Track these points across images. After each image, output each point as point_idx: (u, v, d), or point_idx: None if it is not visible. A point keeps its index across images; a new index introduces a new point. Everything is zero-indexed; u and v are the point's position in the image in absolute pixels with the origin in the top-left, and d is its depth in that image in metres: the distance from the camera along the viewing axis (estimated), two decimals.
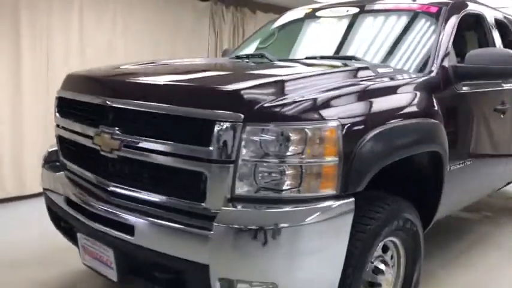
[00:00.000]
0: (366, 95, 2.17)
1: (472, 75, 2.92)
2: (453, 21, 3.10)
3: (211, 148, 1.89)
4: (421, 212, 2.66)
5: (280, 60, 3.06)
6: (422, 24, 3.13)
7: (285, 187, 1.90)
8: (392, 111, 2.25)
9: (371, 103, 2.14)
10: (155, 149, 2.06)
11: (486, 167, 3.44)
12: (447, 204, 2.95)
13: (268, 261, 1.85)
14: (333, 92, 2.06)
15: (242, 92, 1.97)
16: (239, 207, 1.89)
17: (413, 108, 2.41)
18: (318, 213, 1.89)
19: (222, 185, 1.89)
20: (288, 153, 1.88)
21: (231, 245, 1.83)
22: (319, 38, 3.46)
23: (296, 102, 1.94)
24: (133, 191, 2.18)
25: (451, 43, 2.97)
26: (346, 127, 1.96)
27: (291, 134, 1.88)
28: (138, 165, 2.15)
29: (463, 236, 4.25)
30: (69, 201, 2.50)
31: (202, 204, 1.95)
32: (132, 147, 2.15)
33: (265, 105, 1.91)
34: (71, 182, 2.58)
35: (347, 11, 3.52)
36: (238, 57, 3.52)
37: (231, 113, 1.88)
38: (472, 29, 3.73)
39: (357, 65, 2.61)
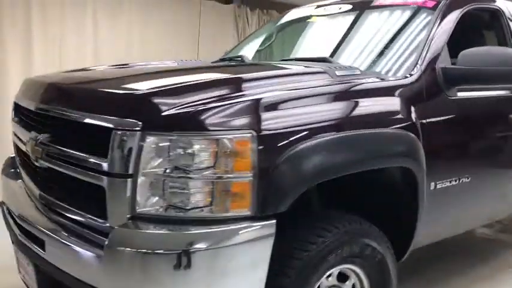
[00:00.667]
0: (298, 102, 1.85)
1: (465, 79, 2.49)
2: (452, 17, 2.67)
3: (107, 159, 1.70)
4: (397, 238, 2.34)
5: (251, 65, 2.81)
6: (415, 22, 2.73)
7: (190, 206, 1.65)
8: (333, 121, 1.90)
9: (304, 112, 1.83)
10: (63, 158, 1.90)
11: (493, 185, 2.92)
12: (433, 228, 2.55)
13: None
14: (254, 98, 1.77)
15: (143, 96, 1.76)
16: (137, 226, 1.68)
17: (368, 118, 2.05)
18: (222, 237, 1.63)
19: (121, 201, 1.68)
20: (193, 167, 1.64)
21: (117, 269, 1.62)
22: (304, 39, 3.16)
23: (206, 109, 1.68)
24: (53, 202, 2.04)
25: (443, 42, 2.55)
26: (264, 138, 1.69)
27: (195, 145, 1.64)
28: (54, 175, 2.00)
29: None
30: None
31: (106, 222, 1.77)
32: (49, 156, 2.01)
33: (168, 112, 1.67)
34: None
35: (339, 8, 3.21)
36: (222, 59, 3.33)
37: (128, 120, 1.66)
38: (489, 27, 3.27)
39: (314, 68, 2.30)
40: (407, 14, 2.82)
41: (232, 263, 1.66)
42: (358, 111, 2.04)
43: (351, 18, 3.05)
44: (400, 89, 2.28)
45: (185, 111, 1.67)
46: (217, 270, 1.65)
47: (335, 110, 1.94)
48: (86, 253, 1.72)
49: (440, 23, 2.65)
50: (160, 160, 1.65)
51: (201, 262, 1.62)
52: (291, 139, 1.73)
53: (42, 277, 2.06)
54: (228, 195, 1.66)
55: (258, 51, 3.44)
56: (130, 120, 1.66)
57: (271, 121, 1.73)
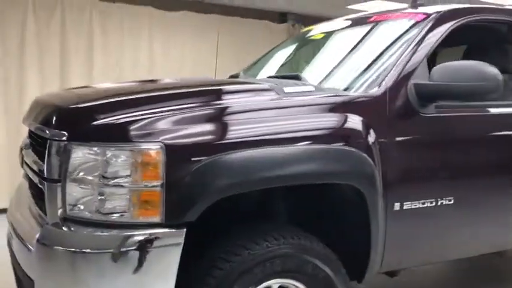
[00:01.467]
0: (215, 118, 1.92)
1: (438, 95, 2.36)
2: (438, 31, 2.54)
3: (44, 165, 1.92)
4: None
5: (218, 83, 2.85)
6: (399, 36, 2.64)
7: (109, 211, 1.81)
8: (254, 136, 1.93)
9: (221, 127, 1.90)
10: (30, 166, 2.21)
11: (488, 210, 2.66)
12: (406, 251, 2.44)
13: (71, 285, 1.79)
14: (168, 113, 1.88)
15: (69, 110, 1.98)
16: (60, 226, 1.87)
17: (299, 133, 2.03)
18: (132, 241, 1.76)
19: (55, 203, 1.89)
20: (109, 175, 1.80)
21: (40, 260, 1.83)
22: (298, 56, 3.19)
23: (122, 122, 1.84)
24: (31, 201, 2.31)
25: (421, 58, 2.42)
26: (173, 151, 1.79)
27: (110, 155, 1.80)
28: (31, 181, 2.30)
29: None
30: None
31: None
32: (26, 165, 2.32)
33: (90, 123, 1.86)
34: None
35: (338, 25, 3.19)
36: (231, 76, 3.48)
37: (58, 131, 1.88)
38: (503, 40, 3.03)
39: (261, 86, 2.33)
40: (396, 28, 2.74)
41: (141, 265, 1.78)
42: (289, 127, 2.04)
43: (343, 34, 3.04)
44: (354, 106, 2.24)
45: (103, 124, 1.85)
46: (127, 271, 1.78)
47: (259, 126, 1.97)
48: (27, 247, 1.96)
49: (422, 37, 2.54)
50: (83, 168, 1.83)
51: (109, 262, 1.77)
52: (200, 153, 1.81)
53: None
54: (140, 202, 1.79)
55: (265, 68, 3.53)
56: (60, 131, 1.87)
57: (181, 136, 1.83)
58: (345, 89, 2.40)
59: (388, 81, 2.35)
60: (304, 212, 2.40)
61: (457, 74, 2.30)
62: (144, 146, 1.78)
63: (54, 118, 1.94)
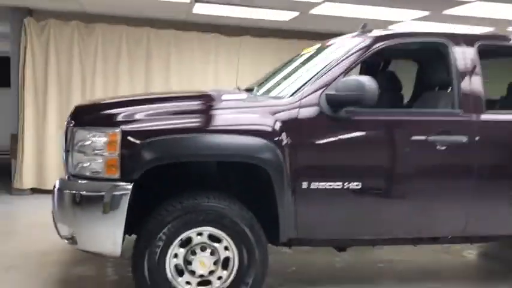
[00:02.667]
0: (159, 114, 2.98)
1: (339, 103, 3.08)
2: (359, 53, 3.27)
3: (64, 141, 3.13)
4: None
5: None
6: (328, 56, 3.43)
7: (93, 170, 2.95)
8: (183, 127, 2.93)
9: (158, 120, 2.93)
10: None
11: (398, 197, 3.26)
12: (313, 222, 3.18)
13: (68, 216, 2.94)
14: (127, 109, 2.99)
15: (77, 108, 3.19)
16: (66, 179, 3.04)
17: (222, 126, 2.98)
18: (105, 188, 2.87)
19: (68, 166, 3.08)
20: (92, 148, 2.93)
21: (60, 199, 3.01)
22: (278, 71, 4.04)
23: (103, 115, 3.01)
24: None
25: (338, 73, 3.16)
26: (127, 133, 2.87)
27: (94, 135, 2.93)
28: None
29: None
30: None
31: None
32: None
33: (86, 116, 3.05)
34: None
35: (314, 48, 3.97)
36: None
37: (70, 120, 3.09)
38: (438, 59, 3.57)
39: (208, 93, 3.29)
40: (330, 50, 3.54)
41: (108, 200, 2.86)
42: (215, 122, 3.01)
43: (306, 55, 3.85)
44: (270, 109, 3.10)
45: (92, 117, 3.04)
46: (98, 206, 2.88)
47: (185, 120, 2.98)
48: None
49: (345, 57, 3.28)
50: (80, 143, 2.99)
51: (88, 200, 2.89)
52: (141, 137, 2.88)
53: None
54: (107, 165, 2.91)
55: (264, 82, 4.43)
56: (71, 120, 3.08)
57: (132, 125, 2.91)
58: (275, 97, 3.26)
59: (304, 92, 3.17)
60: (241, 185, 3.30)
61: (349, 86, 3.03)
62: (111, 130, 2.90)
63: (70, 114, 3.17)
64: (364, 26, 3.68)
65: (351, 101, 3.04)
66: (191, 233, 3.03)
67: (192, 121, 3.00)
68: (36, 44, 6.59)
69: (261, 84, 3.85)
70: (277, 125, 3.06)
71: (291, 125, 3.08)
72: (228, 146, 2.99)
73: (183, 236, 3.02)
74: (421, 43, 3.59)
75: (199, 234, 3.06)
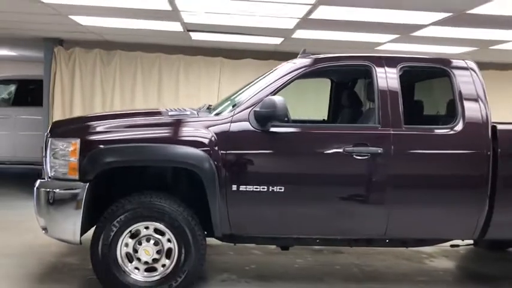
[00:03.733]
0: (111, 127, 3.68)
1: (260, 118, 3.62)
2: (287, 77, 3.83)
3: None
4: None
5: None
6: (264, 78, 4.06)
7: (60, 172, 3.68)
8: (128, 138, 3.61)
9: (109, 132, 3.64)
10: None
11: (315, 201, 3.72)
12: (243, 220, 3.72)
13: (42, 209, 3.66)
14: (86, 123, 3.74)
15: (53, 123, 3.88)
16: (44, 180, 3.76)
17: (161, 137, 3.64)
18: (68, 187, 3.60)
19: (45, 169, 3.81)
20: (60, 154, 3.65)
21: (37, 195, 3.75)
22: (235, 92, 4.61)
23: (68, 129, 3.77)
24: None
25: (266, 94, 3.71)
26: (84, 142, 3.59)
27: (62, 144, 3.66)
28: None
29: None
30: None
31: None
32: None
33: (57, 129, 3.82)
34: None
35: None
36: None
37: (48, 132, 3.82)
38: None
39: (158, 110, 3.93)
40: (271, 73, 4.09)
41: (71, 197, 3.58)
42: (156, 133, 3.64)
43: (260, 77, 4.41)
44: (206, 124, 3.71)
45: (61, 130, 3.78)
46: (67, 200, 3.59)
47: (134, 133, 3.66)
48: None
49: (275, 79, 3.86)
50: (53, 150, 3.72)
51: (56, 197, 3.61)
52: (93, 145, 3.59)
53: None
54: (70, 168, 3.62)
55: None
56: (48, 132, 3.84)
57: (89, 136, 3.63)
58: (216, 114, 3.84)
59: (237, 110, 3.73)
60: (189, 188, 3.90)
61: (266, 104, 3.59)
62: (73, 140, 3.62)
63: (48, 127, 3.91)
64: (304, 52, 4.21)
65: (267, 116, 3.58)
66: (139, 226, 3.67)
67: (137, 133, 3.69)
68: (64, 69, 7.63)
69: (221, 103, 4.45)
70: (211, 137, 3.65)
71: (222, 137, 3.67)
72: (165, 154, 3.63)
73: (132, 228, 3.66)
74: (348, 66, 4.09)
75: (146, 227, 3.69)
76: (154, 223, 3.65)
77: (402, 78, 3.91)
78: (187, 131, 3.70)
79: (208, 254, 4.84)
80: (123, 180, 3.88)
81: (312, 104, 6.31)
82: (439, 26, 5.22)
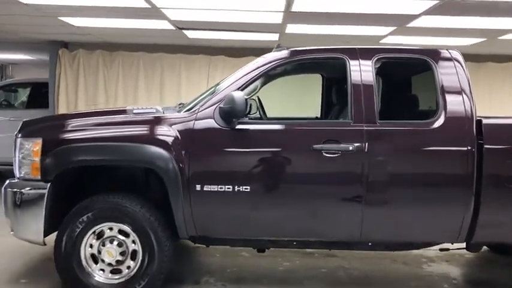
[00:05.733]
0: (74, 126, 3.61)
1: (224, 115, 3.46)
2: (253, 73, 3.66)
3: None
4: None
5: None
6: (235, 73, 3.86)
7: (24, 173, 3.63)
8: (91, 137, 3.53)
9: (71, 132, 3.56)
10: None
11: (285, 201, 3.51)
12: (208, 221, 3.56)
13: (8, 210, 3.66)
14: (49, 123, 3.69)
15: (23, 122, 3.83)
16: (11, 181, 3.74)
17: (122, 135, 3.51)
18: (31, 187, 3.56)
19: (15, 169, 3.78)
20: (25, 154, 3.61)
21: (4, 196, 3.72)
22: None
23: (33, 128, 3.71)
24: None
25: (228, 91, 3.52)
26: (46, 142, 3.53)
27: (26, 143, 3.62)
28: None
29: None
30: None
31: None
32: None
33: (25, 128, 3.75)
34: None
35: None
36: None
37: (17, 132, 3.79)
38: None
39: (125, 108, 3.85)
40: (245, 66, 3.91)
41: (35, 196, 3.54)
42: (117, 132, 3.54)
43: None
44: (169, 122, 3.58)
45: (27, 129, 3.72)
46: (30, 201, 3.56)
47: (96, 132, 3.57)
48: None
49: (243, 74, 3.71)
50: (20, 150, 3.69)
51: (20, 197, 3.58)
52: (55, 145, 3.52)
53: None
54: (33, 168, 3.58)
55: None
56: (17, 133, 3.80)
57: (51, 135, 3.57)
58: (186, 110, 3.70)
59: (201, 107, 3.60)
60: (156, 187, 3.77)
61: (227, 100, 3.42)
62: (36, 140, 3.58)
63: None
64: (278, 46, 4.02)
65: (228, 113, 3.42)
66: (103, 226, 3.58)
67: (97, 132, 3.61)
68: (68, 70, 7.77)
69: (193, 100, 4.32)
70: (173, 135, 3.52)
71: (186, 135, 3.53)
72: (122, 153, 3.53)
73: (96, 228, 3.57)
74: (321, 59, 3.87)
75: (110, 228, 3.60)
76: (118, 224, 3.57)
77: (387, 71, 3.69)
78: (148, 129, 3.59)
79: (196, 255, 4.78)
80: (95, 180, 3.83)
81: (311, 101, 6.14)
82: (432, 15, 4.93)
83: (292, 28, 5.89)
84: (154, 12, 5.10)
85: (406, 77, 4.43)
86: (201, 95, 4.10)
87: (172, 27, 6.08)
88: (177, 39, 7.25)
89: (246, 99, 3.45)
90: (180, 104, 4.16)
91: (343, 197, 3.56)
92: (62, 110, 7.70)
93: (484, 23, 5.24)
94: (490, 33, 5.74)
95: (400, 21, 5.30)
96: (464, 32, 5.72)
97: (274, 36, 6.50)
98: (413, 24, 5.39)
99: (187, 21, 5.64)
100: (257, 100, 4.24)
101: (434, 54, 3.75)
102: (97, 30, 6.58)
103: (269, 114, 4.70)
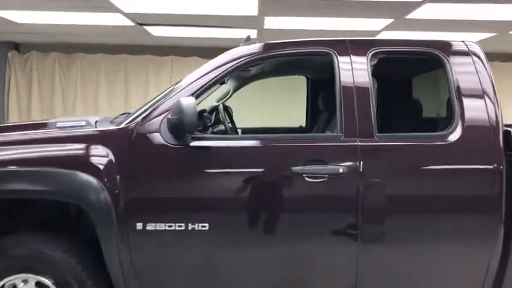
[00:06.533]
0: None
1: (172, 128, 2.55)
2: (214, 72, 2.76)
3: None
4: None
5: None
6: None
7: None
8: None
9: None
10: None
11: (250, 241, 2.62)
12: (155, 271, 2.62)
13: None
14: None
15: None
16: None
17: (29, 157, 2.58)
18: None
19: None
20: None
21: None
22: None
23: None
24: None
25: (179, 96, 2.62)
26: None
27: None
28: None
29: None
30: None
31: None
32: None
33: None
34: None
35: None
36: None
37: None
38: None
39: (47, 121, 2.95)
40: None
41: None
42: (32, 153, 2.59)
43: None
44: (103, 137, 2.63)
45: None
46: None
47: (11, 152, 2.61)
48: None
49: (198, 76, 2.78)
50: None
51: None
52: None
53: None
54: None
55: None
56: None
57: None
58: (127, 123, 2.77)
59: (145, 117, 2.65)
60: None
61: (175, 109, 2.51)
62: None
63: None
64: (248, 39, 3.17)
65: (176, 126, 2.54)
66: (15, 279, 2.68)
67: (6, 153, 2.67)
68: (20, 75, 6.92)
69: (141, 108, 3.44)
70: (105, 156, 2.61)
71: (123, 156, 2.59)
72: (30, 182, 2.56)
73: (6, 282, 2.67)
74: (303, 54, 2.97)
75: (25, 281, 2.68)
76: (35, 276, 2.68)
77: (386, 70, 2.85)
78: (71, 149, 2.63)
79: None
80: (21, 213, 2.91)
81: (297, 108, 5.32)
82: (437, 3, 4.07)
83: (271, 22, 5.04)
84: (102, 3, 4.22)
85: (409, 77, 3.59)
86: (150, 101, 3.23)
87: (131, 23, 5.19)
88: (142, 39, 6.37)
89: (207, 110, 2.64)
90: (123, 114, 3.26)
91: (331, 235, 2.65)
92: (13, 119, 6.81)
93: (497, 12, 4.41)
94: (502, 27, 4.92)
95: (399, 12, 4.44)
96: (473, 24, 4.86)
97: (252, 33, 5.66)
98: (414, 15, 4.51)
99: (146, 15, 4.76)
100: (222, 108, 3.40)
101: (447, 47, 2.85)
102: (45, 27, 5.65)
103: (245, 125, 3.87)
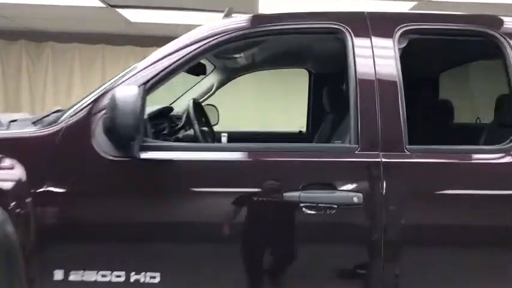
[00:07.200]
0: None
1: (111, 134, 1.73)
2: (173, 55, 1.91)
3: None
4: None
5: None
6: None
7: None
8: None
9: None
10: None
11: None
12: None
13: None
14: None
15: None
16: None
17: None
18: None
19: None
20: None
21: None
22: None
23: None
24: None
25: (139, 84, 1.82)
26: None
27: None
28: None
29: None
30: None
31: None
32: None
33: None
34: None
35: None
36: None
37: None
38: None
39: None
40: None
41: None
42: None
43: None
44: (11, 144, 1.86)
45: None
46: None
47: None
48: None
49: (154, 60, 1.94)
50: None
51: None
52: None
53: None
54: None
55: None
56: None
57: None
58: (49, 124, 1.96)
59: (73, 116, 1.86)
60: None
61: (109, 104, 1.70)
62: None
63: None
64: (229, 12, 2.34)
65: (109, 128, 1.70)
66: None
67: None
68: None
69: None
70: (13, 171, 1.83)
71: (40, 171, 1.81)
72: None
73: None
74: (304, 32, 2.09)
75: None
76: None
77: (410, 56, 2.03)
78: None
79: None
80: None
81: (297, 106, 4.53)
82: None
83: (267, 5, 4.24)
84: None
85: (448, 67, 2.74)
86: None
87: (102, 4, 4.39)
88: (121, 27, 5.58)
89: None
90: (56, 111, 2.43)
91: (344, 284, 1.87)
92: None
93: None
94: None
95: None
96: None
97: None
98: None
99: None
100: (192, 106, 2.58)
101: (503, 24, 2.09)
102: (6, 7, 4.85)
103: (231, 129, 3.06)
